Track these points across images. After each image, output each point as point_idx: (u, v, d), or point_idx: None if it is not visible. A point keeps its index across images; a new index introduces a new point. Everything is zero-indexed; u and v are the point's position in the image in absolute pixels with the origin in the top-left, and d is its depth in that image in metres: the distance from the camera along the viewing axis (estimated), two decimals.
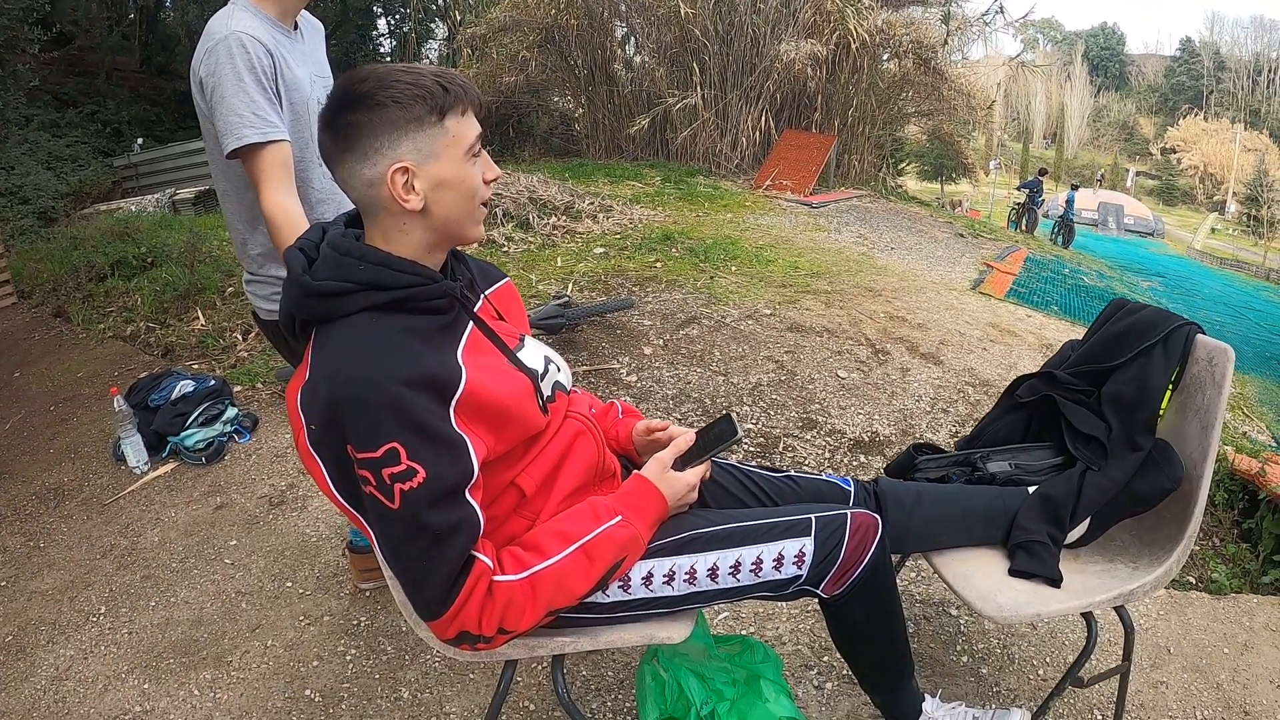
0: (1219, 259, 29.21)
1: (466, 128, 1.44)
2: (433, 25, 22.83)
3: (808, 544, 1.64)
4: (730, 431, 1.69)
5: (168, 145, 15.40)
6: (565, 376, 1.73)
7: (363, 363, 1.35)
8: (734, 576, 1.64)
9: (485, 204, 1.52)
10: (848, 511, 1.70)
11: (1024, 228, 19.43)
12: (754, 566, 1.64)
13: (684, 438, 1.73)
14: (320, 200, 2.22)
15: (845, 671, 2.37)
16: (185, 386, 4.14)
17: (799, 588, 1.68)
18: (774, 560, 1.64)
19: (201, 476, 3.77)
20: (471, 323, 1.52)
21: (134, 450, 3.83)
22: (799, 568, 1.65)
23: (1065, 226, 19.94)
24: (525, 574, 1.46)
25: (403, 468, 1.33)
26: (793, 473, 2.00)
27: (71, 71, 17.08)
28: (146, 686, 2.52)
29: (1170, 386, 2.06)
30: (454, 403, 1.39)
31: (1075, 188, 23.62)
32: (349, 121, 1.38)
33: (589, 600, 1.60)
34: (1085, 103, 69.78)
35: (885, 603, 1.76)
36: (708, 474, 1.76)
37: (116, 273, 6.78)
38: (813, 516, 1.68)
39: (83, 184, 13.13)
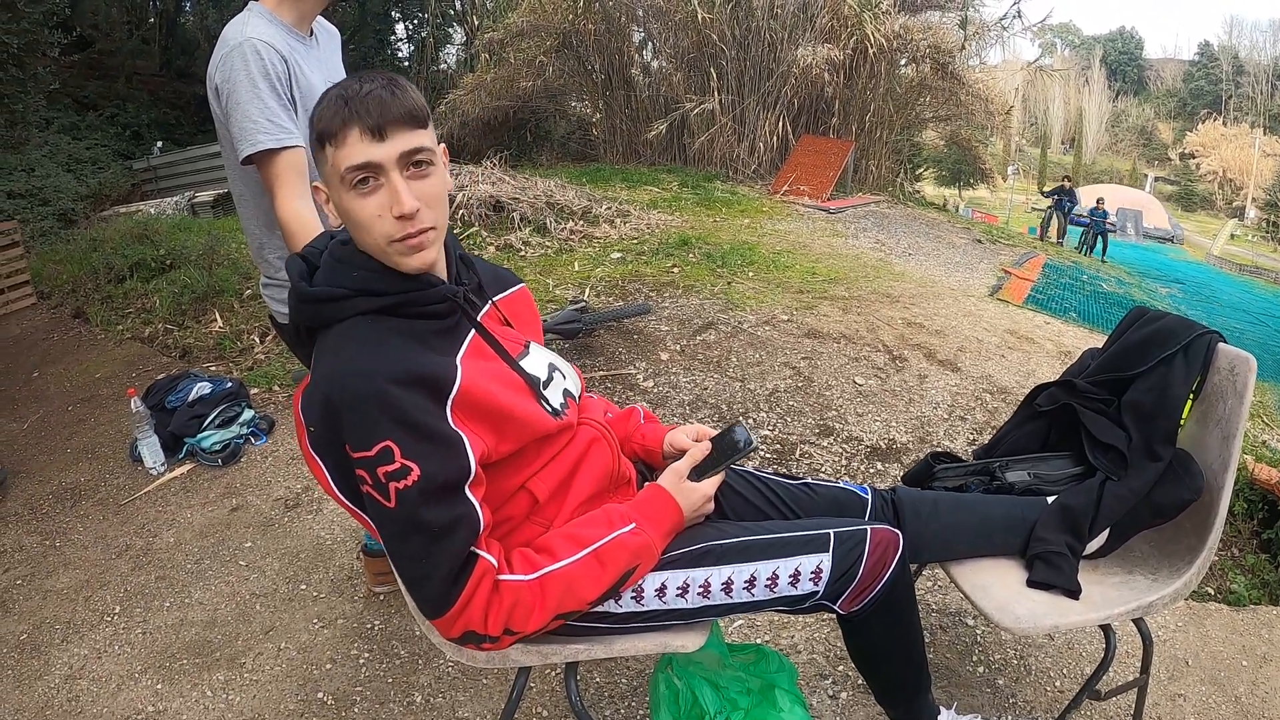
0: (1238, 265, 28.96)
1: (340, 158, 1.36)
2: (451, 30, 22.86)
3: (825, 560, 1.62)
4: (744, 441, 1.68)
5: (187, 148, 15.46)
6: (573, 383, 1.72)
7: (355, 363, 1.36)
8: (749, 591, 1.62)
9: (402, 239, 1.39)
10: (867, 527, 1.67)
11: (1042, 234, 18.92)
12: (769, 582, 1.62)
13: (699, 447, 1.71)
14: None
15: (860, 681, 2.36)
16: (202, 388, 4.16)
17: (815, 603, 1.66)
18: (790, 576, 1.62)
19: (217, 478, 3.79)
20: (473, 329, 1.52)
21: (151, 451, 3.85)
22: (815, 584, 1.62)
23: (1098, 234, 18.98)
24: (535, 575, 1.46)
25: (397, 466, 1.32)
26: (810, 480, 1.99)
27: (91, 75, 17.19)
28: (160, 687, 2.52)
29: (1191, 396, 2.03)
30: (450, 400, 1.38)
31: (1100, 201, 20.61)
32: None
33: (602, 610, 1.59)
34: (1103, 107, 69.39)
35: (904, 619, 1.74)
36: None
37: (135, 274, 6.82)
38: (831, 532, 1.65)
39: (102, 186, 13.20)
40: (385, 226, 1.38)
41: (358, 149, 1.35)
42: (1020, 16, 16.45)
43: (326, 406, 1.35)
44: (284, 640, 2.70)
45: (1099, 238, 19.06)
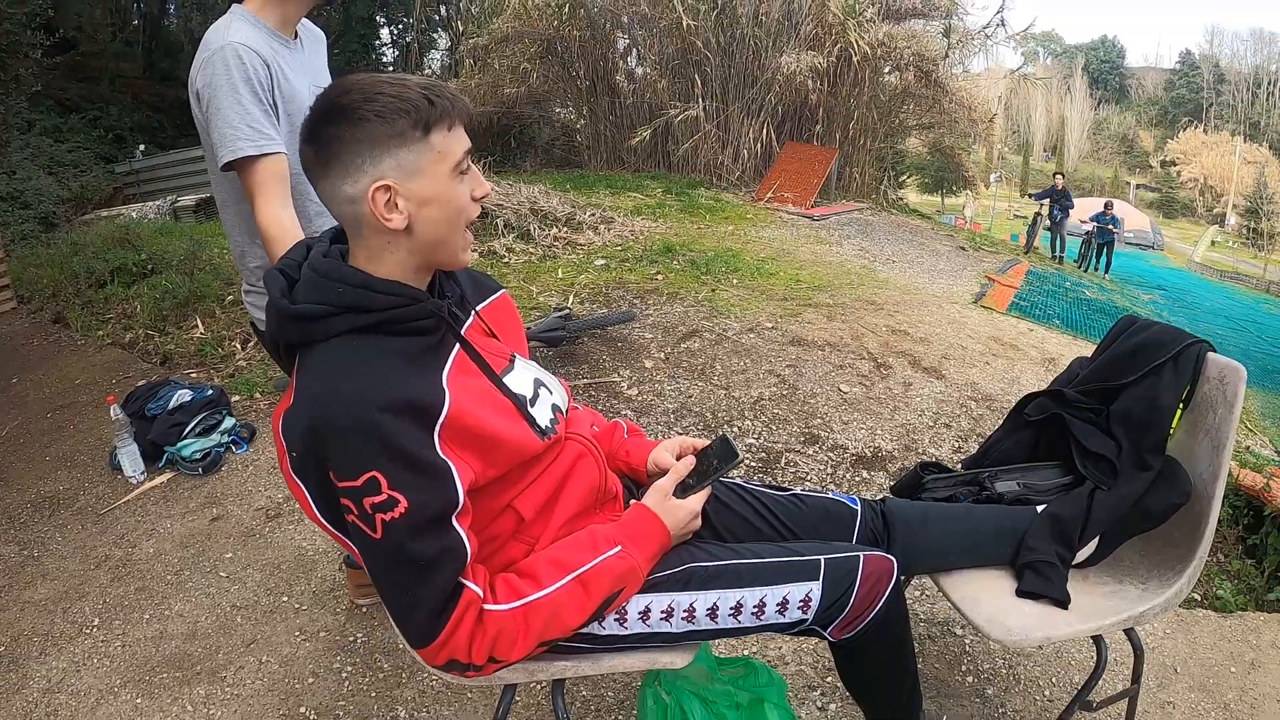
0: (1219, 272, 29.22)
1: (454, 143, 1.39)
2: (435, 35, 22.85)
3: (815, 589, 1.59)
4: (730, 454, 1.64)
5: (169, 152, 15.47)
6: (560, 398, 1.67)
7: (341, 388, 1.31)
8: (735, 618, 1.60)
9: (471, 225, 1.46)
10: (860, 554, 1.64)
11: (1028, 246, 15.94)
12: (756, 609, 1.59)
13: (683, 462, 1.68)
14: (320, 212, 2.19)
15: (847, 694, 2.34)
16: (183, 396, 4.12)
17: (805, 629, 1.64)
18: (778, 604, 1.59)
19: (198, 487, 3.74)
20: (458, 344, 1.48)
21: (130, 460, 3.80)
22: (804, 612, 1.60)
23: (1103, 244, 16.85)
24: (518, 604, 1.42)
25: (384, 497, 1.28)
26: (799, 491, 1.96)
27: (75, 77, 17.10)
28: (139, 701, 2.49)
29: (1181, 405, 2.03)
30: (438, 428, 1.34)
31: (1109, 205, 17.94)
32: (330, 135, 1.33)
33: (585, 632, 1.55)
34: (1085, 115, 69.90)
35: (897, 646, 1.72)
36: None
37: (116, 279, 6.76)
38: (822, 559, 1.62)
39: (84, 190, 13.13)
40: (469, 212, 1.44)
41: (462, 136, 1.41)
42: (1003, 25, 16.59)
43: (310, 433, 1.31)
44: (265, 653, 2.66)
45: (1103, 249, 16.98)
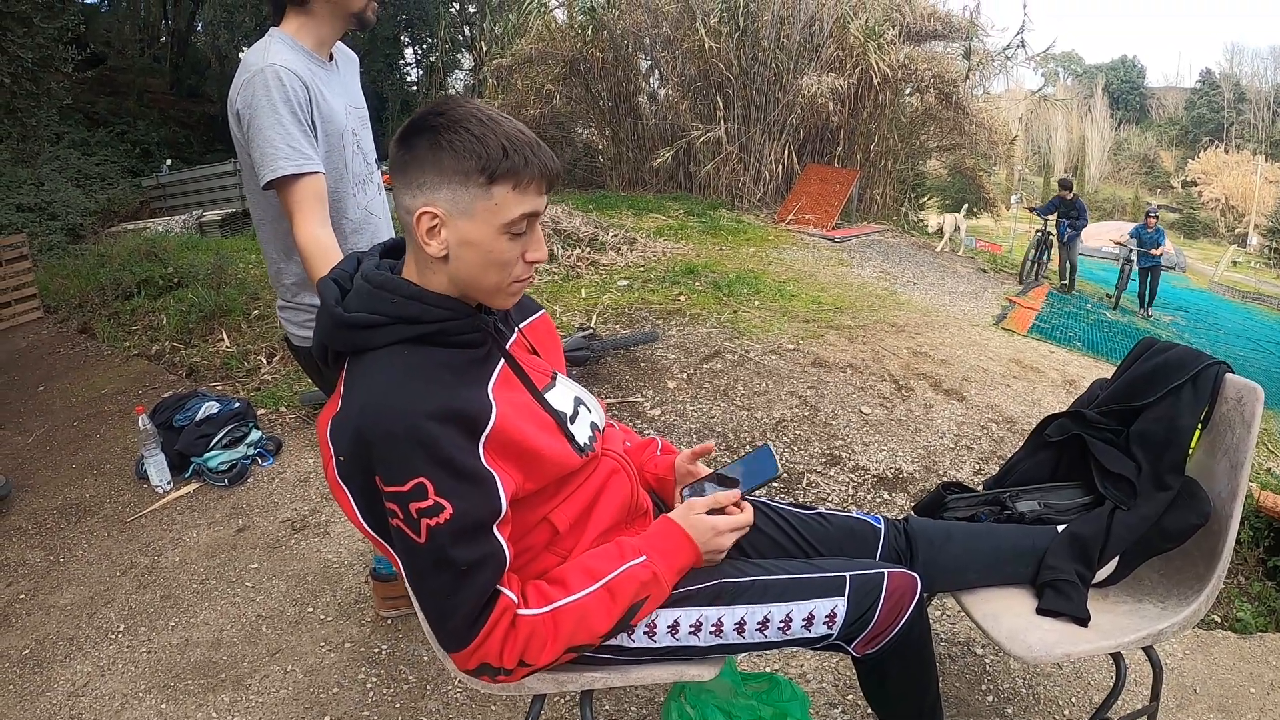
0: (1241, 292, 28.89)
1: (515, 202, 1.38)
2: (459, 56, 22.99)
3: (840, 604, 1.61)
4: (770, 467, 1.67)
5: (196, 167, 15.62)
6: (598, 416, 1.71)
7: (391, 396, 1.34)
8: (761, 633, 1.61)
9: (520, 280, 1.47)
10: (885, 571, 1.66)
11: (1036, 271, 12.45)
12: (783, 624, 1.61)
13: (726, 495, 1.68)
14: (354, 230, 2.24)
15: (868, 711, 2.35)
16: (210, 408, 4.17)
17: (829, 644, 1.65)
18: (804, 619, 1.61)
19: (224, 498, 3.78)
20: (503, 359, 1.51)
21: (157, 469, 3.85)
22: (829, 627, 1.61)
23: (1146, 272, 13.36)
24: (548, 608, 1.45)
25: (430, 503, 1.32)
26: (824, 510, 1.98)
27: (103, 91, 17.35)
28: (164, 707, 2.51)
29: (1199, 426, 2.04)
30: (484, 438, 1.38)
31: (1151, 213, 13.84)
32: (412, 145, 1.37)
33: (614, 644, 1.58)
34: (1106, 136, 69.43)
35: (919, 662, 1.73)
36: (750, 522, 1.71)
37: (142, 291, 6.86)
38: (848, 575, 1.64)
39: (111, 202, 13.31)
40: (517, 270, 1.44)
41: (531, 198, 1.40)
42: (1024, 46, 16.60)
43: (358, 438, 1.34)
44: (290, 663, 2.69)
45: (1146, 276, 13.37)
